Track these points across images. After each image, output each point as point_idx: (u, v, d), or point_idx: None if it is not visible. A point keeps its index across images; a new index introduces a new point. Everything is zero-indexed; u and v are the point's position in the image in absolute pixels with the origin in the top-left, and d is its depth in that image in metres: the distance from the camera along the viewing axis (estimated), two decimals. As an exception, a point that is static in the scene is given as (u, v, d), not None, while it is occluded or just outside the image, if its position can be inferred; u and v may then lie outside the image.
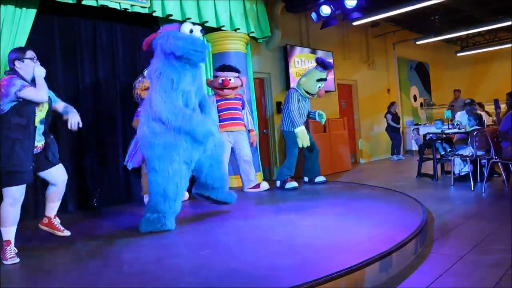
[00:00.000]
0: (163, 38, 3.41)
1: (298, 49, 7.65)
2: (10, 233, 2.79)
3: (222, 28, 5.58)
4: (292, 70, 7.40)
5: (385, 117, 9.34)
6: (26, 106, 2.82)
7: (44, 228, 3.25)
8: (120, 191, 5.00)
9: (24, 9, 4.11)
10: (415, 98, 11.63)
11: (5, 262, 2.71)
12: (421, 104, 11.85)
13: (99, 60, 4.93)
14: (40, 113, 2.94)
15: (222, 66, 5.27)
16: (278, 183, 5.45)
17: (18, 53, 2.90)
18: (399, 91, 10.94)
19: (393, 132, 9.33)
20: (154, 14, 4.82)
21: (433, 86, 12.38)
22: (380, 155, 9.83)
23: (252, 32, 5.91)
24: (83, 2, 4.24)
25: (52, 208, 3.23)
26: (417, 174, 6.36)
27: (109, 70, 5.02)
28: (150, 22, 5.16)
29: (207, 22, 5.30)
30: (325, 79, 5.57)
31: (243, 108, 5.32)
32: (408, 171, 7.12)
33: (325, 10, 6.39)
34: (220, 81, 5.11)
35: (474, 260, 2.61)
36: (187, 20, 5.11)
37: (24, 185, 2.84)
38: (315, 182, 5.64)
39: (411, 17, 9.11)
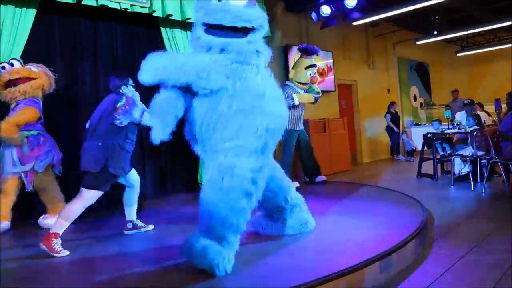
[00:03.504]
0: None
1: (298, 49, 7.65)
2: (63, 228, 2.91)
3: (222, 28, 5.57)
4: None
5: (385, 117, 9.33)
6: (136, 125, 3.09)
7: (129, 232, 3.41)
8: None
9: (24, 9, 4.11)
10: (415, 98, 11.62)
11: (56, 255, 2.81)
12: (421, 104, 11.84)
13: (99, 60, 4.93)
14: None
15: None
16: None
17: (121, 80, 3.12)
18: (399, 91, 10.94)
19: (393, 132, 9.32)
20: (154, 14, 4.83)
21: (433, 86, 12.37)
22: (380, 155, 9.83)
23: (252, 32, 5.89)
24: (83, 2, 4.25)
25: (129, 212, 3.42)
26: (417, 174, 6.35)
27: (109, 70, 5.00)
28: (150, 22, 5.16)
29: (207, 22, 5.29)
30: (314, 65, 5.48)
31: None
32: (408, 171, 7.11)
33: (325, 10, 6.40)
34: None
35: (474, 260, 2.61)
36: (187, 20, 5.13)
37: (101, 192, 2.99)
38: (316, 182, 5.63)
39: (411, 17, 9.10)
